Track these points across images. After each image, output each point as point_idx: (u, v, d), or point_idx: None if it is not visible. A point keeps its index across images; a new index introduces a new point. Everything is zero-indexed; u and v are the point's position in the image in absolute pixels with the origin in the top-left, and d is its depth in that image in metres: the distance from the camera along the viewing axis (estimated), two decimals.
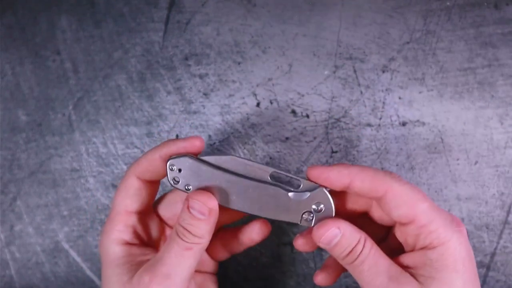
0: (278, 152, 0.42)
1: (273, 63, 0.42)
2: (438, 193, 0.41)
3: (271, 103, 0.42)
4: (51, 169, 0.43)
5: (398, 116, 0.41)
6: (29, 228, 0.43)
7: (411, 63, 0.41)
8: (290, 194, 0.32)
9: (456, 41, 0.41)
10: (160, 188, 0.37)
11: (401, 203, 0.30)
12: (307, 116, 0.42)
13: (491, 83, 0.41)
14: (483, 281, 0.41)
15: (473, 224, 0.41)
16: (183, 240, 0.31)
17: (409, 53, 0.41)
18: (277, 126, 0.42)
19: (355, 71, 0.41)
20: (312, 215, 0.32)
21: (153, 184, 0.34)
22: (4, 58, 0.44)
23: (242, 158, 0.32)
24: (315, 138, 0.42)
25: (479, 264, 0.41)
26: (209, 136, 0.42)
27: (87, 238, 0.43)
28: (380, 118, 0.41)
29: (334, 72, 0.42)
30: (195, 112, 0.42)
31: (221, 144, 0.42)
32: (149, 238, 0.35)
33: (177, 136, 0.42)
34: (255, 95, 0.42)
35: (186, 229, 0.31)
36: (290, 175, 0.32)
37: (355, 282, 0.42)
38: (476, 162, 0.41)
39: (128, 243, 0.33)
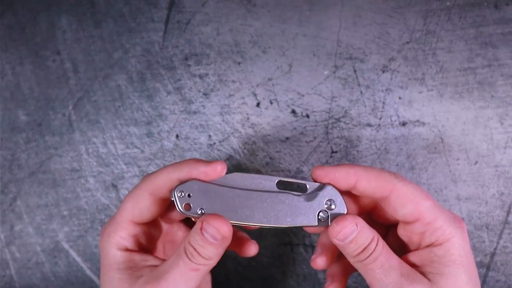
0: (278, 152, 0.42)
1: (273, 63, 0.42)
2: (438, 193, 0.41)
3: (271, 103, 0.42)
4: (51, 169, 0.43)
5: (398, 116, 0.41)
6: (29, 228, 0.43)
7: (411, 63, 0.41)
8: (301, 197, 0.32)
9: (456, 41, 0.41)
10: None
11: (406, 201, 0.31)
12: (307, 116, 0.42)
13: (491, 83, 0.41)
14: (483, 281, 0.41)
15: (473, 224, 0.41)
16: (190, 260, 0.30)
17: (409, 53, 0.41)
18: (277, 126, 0.42)
19: (355, 71, 0.41)
20: (326, 213, 0.32)
21: (165, 200, 0.33)
22: (4, 58, 0.44)
23: (245, 173, 0.32)
24: (315, 138, 0.42)
25: (479, 264, 0.41)
26: (209, 136, 0.42)
27: (87, 238, 0.43)
28: (380, 118, 0.41)
29: (334, 72, 0.42)
30: (195, 112, 0.42)
31: (221, 144, 0.42)
32: (152, 244, 0.35)
33: (177, 136, 0.42)
34: (255, 95, 0.42)
35: (196, 250, 0.30)
36: (296, 180, 0.33)
37: (355, 282, 0.42)
38: (476, 162, 0.41)
39: (129, 249, 0.33)
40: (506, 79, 0.41)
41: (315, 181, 0.32)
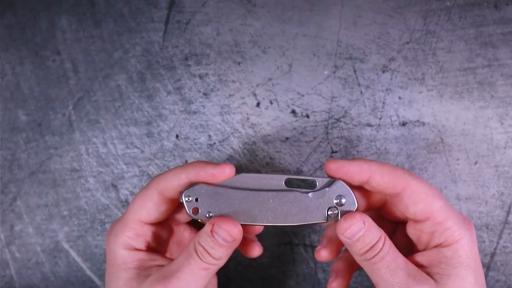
0: (278, 152, 0.42)
1: (273, 63, 0.42)
2: None
3: (271, 103, 0.42)
4: (51, 169, 0.43)
5: (398, 116, 0.41)
6: (29, 228, 0.43)
7: (411, 63, 0.41)
8: (310, 194, 0.32)
9: (456, 41, 0.41)
10: None
11: (419, 200, 0.30)
12: (307, 116, 0.42)
13: (491, 83, 0.41)
14: None
15: (473, 224, 0.41)
16: (201, 260, 0.31)
17: (409, 53, 0.41)
18: (277, 126, 0.42)
19: (355, 71, 0.42)
20: (336, 210, 0.32)
21: (173, 200, 0.33)
22: (4, 58, 0.44)
23: (252, 173, 0.32)
24: (315, 138, 0.42)
25: None
26: (209, 136, 0.42)
27: (87, 238, 0.43)
28: (380, 118, 0.41)
29: (334, 72, 0.42)
30: (195, 112, 0.42)
31: (221, 144, 0.42)
32: (159, 244, 0.35)
33: (177, 136, 0.42)
34: (255, 95, 0.42)
35: (206, 251, 0.31)
36: (304, 176, 0.33)
37: (355, 282, 0.42)
38: (476, 162, 0.41)
39: (136, 249, 0.33)
40: (506, 79, 0.41)
41: (327, 174, 0.32)
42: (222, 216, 0.31)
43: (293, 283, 0.42)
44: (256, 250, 0.35)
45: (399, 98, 0.41)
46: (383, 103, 0.41)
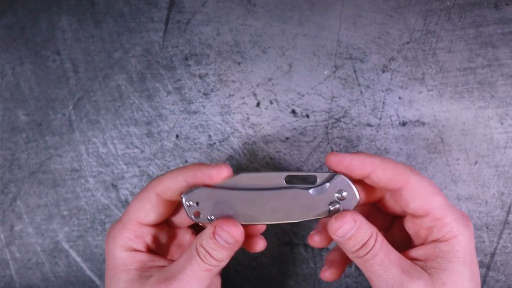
0: (278, 152, 0.42)
1: (273, 63, 0.42)
2: None
3: (271, 103, 0.42)
4: (51, 169, 0.43)
5: (398, 116, 0.41)
6: (29, 228, 0.43)
7: (411, 63, 0.41)
8: (310, 190, 0.32)
9: (456, 41, 0.41)
10: None
11: (418, 195, 0.31)
12: (307, 116, 0.42)
13: (491, 83, 0.41)
14: (483, 281, 0.41)
15: (473, 224, 0.41)
16: (203, 261, 0.31)
17: (409, 53, 0.41)
18: (277, 126, 0.42)
19: (355, 71, 0.42)
20: (338, 204, 0.32)
21: (172, 203, 0.33)
22: (4, 58, 0.44)
23: (252, 172, 0.32)
24: (315, 138, 0.42)
25: (479, 264, 0.41)
26: (209, 136, 0.42)
27: (87, 238, 0.43)
28: (380, 118, 0.41)
29: (334, 72, 0.42)
30: (195, 112, 0.42)
31: (221, 144, 0.42)
32: (158, 245, 0.35)
33: (177, 136, 0.42)
34: (255, 95, 0.42)
35: (209, 253, 0.31)
36: (304, 173, 0.33)
37: (355, 282, 0.42)
38: (476, 162, 0.41)
39: (136, 250, 0.33)
40: (506, 79, 0.41)
41: (328, 167, 0.32)
42: (224, 218, 0.31)
43: (293, 283, 0.42)
44: (259, 245, 0.35)
45: (399, 98, 0.41)
46: (383, 103, 0.41)
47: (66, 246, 0.43)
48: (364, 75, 0.41)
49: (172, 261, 0.33)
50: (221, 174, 0.31)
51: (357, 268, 0.42)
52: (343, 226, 0.30)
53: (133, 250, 0.32)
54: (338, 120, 0.42)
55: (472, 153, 0.41)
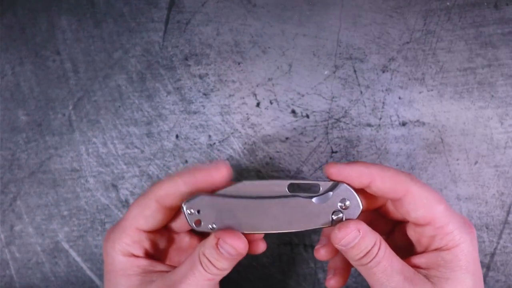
0: (278, 152, 0.42)
1: (273, 63, 0.42)
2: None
3: (271, 103, 0.42)
4: (51, 169, 0.43)
5: (398, 116, 0.41)
6: (29, 228, 0.43)
7: (411, 63, 0.41)
8: (314, 199, 0.31)
9: (456, 41, 0.41)
10: None
11: (420, 205, 0.30)
12: (307, 116, 0.42)
13: (491, 83, 0.41)
14: (483, 281, 0.41)
15: (473, 224, 0.41)
16: (206, 271, 0.30)
17: (409, 53, 0.41)
18: (277, 126, 0.42)
19: (355, 71, 0.41)
20: (341, 214, 0.31)
21: (171, 209, 0.33)
22: (4, 58, 0.44)
23: (254, 180, 0.32)
24: (315, 138, 0.42)
25: None
26: (209, 136, 0.42)
27: (87, 238, 0.43)
28: (380, 118, 0.41)
29: (334, 72, 0.42)
30: (195, 112, 0.42)
31: (221, 144, 0.42)
32: (157, 251, 0.34)
33: (177, 136, 0.42)
34: (255, 95, 0.42)
35: (211, 263, 0.30)
36: (307, 181, 0.32)
37: (355, 282, 0.42)
38: (476, 162, 0.41)
39: (135, 256, 0.32)
40: (506, 79, 0.41)
41: (328, 178, 0.32)
42: (227, 230, 0.31)
43: (293, 283, 0.42)
44: (260, 247, 0.35)
45: (399, 98, 0.41)
46: (383, 103, 0.41)
47: (66, 246, 0.43)
48: (364, 75, 0.41)
49: (171, 266, 0.33)
50: (221, 172, 0.31)
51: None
52: (347, 236, 0.30)
53: (132, 256, 0.32)
54: (338, 120, 0.42)
55: (472, 153, 0.41)
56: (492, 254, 0.41)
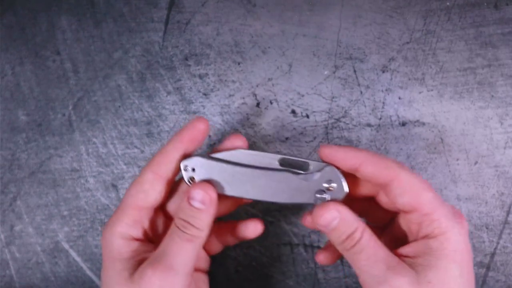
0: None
1: (273, 63, 0.42)
2: (438, 193, 0.41)
3: (271, 103, 0.42)
4: (51, 169, 0.43)
5: (398, 116, 0.41)
6: (29, 228, 0.43)
7: (411, 63, 0.41)
8: (300, 176, 0.32)
9: (456, 41, 0.41)
10: None
11: (406, 191, 0.31)
12: (307, 116, 0.42)
13: (491, 83, 0.41)
14: (483, 281, 0.41)
15: (473, 224, 0.41)
16: (184, 232, 0.31)
17: (409, 53, 0.41)
18: (277, 126, 0.42)
19: (355, 71, 0.42)
20: (325, 194, 0.32)
21: (168, 181, 0.34)
22: (4, 58, 0.44)
23: (248, 150, 0.33)
24: (315, 138, 0.42)
25: (479, 264, 0.41)
26: (209, 136, 0.42)
27: (87, 238, 0.43)
28: (380, 118, 0.41)
29: (334, 72, 0.42)
30: (195, 112, 0.42)
31: None
32: (155, 235, 0.35)
33: None
34: (255, 95, 0.42)
35: (187, 221, 0.32)
36: (298, 158, 0.33)
37: (356, 282, 0.42)
38: (476, 162, 0.41)
39: (133, 238, 0.33)
40: (506, 79, 0.41)
41: (320, 158, 0.33)
42: (198, 182, 0.33)
43: (293, 283, 0.42)
44: (257, 228, 0.36)
45: (399, 98, 0.41)
46: (383, 103, 0.41)
47: (66, 246, 0.43)
48: (364, 75, 0.41)
49: None
50: (201, 122, 0.33)
51: None
52: (325, 214, 0.31)
53: (130, 239, 0.33)
54: (338, 120, 0.42)
55: (472, 153, 0.41)
56: (492, 254, 0.41)
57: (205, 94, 0.42)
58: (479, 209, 0.41)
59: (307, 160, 0.33)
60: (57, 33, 0.43)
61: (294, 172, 0.33)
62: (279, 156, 0.33)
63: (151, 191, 0.33)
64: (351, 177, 0.33)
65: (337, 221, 0.31)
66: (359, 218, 0.31)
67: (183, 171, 0.33)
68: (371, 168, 0.31)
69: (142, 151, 0.43)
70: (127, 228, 0.33)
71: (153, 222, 0.34)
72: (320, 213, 0.31)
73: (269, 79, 0.42)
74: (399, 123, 0.41)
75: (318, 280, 0.42)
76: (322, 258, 0.36)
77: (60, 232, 0.43)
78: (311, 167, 0.33)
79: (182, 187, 0.35)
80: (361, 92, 0.41)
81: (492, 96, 0.41)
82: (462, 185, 0.41)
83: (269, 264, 0.42)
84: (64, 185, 0.43)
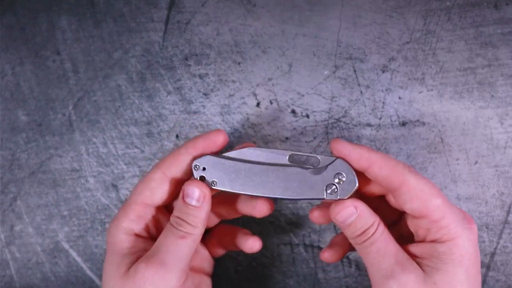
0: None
1: (273, 63, 0.42)
2: None
3: (271, 103, 0.42)
4: (51, 169, 0.43)
5: (398, 116, 0.41)
6: (29, 228, 0.43)
7: (411, 63, 0.41)
8: (310, 170, 0.33)
9: (456, 41, 0.41)
10: None
11: (415, 197, 0.31)
12: (307, 116, 0.42)
13: (491, 83, 0.41)
14: (483, 281, 0.41)
15: None
16: (177, 229, 0.32)
17: (409, 53, 0.41)
18: (277, 126, 0.42)
19: (355, 71, 0.42)
20: (335, 187, 0.32)
21: (177, 182, 0.34)
22: (4, 58, 0.44)
23: (258, 147, 0.34)
24: (315, 138, 0.42)
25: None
26: None
27: (87, 238, 0.43)
28: (380, 118, 0.41)
29: (334, 72, 0.42)
30: (195, 112, 0.42)
31: None
32: (158, 233, 0.35)
33: (177, 136, 0.42)
34: (255, 95, 0.42)
35: (181, 218, 0.32)
36: (307, 153, 0.34)
37: (355, 282, 0.42)
38: (476, 162, 0.41)
39: (135, 234, 0.33)
40: (506, 79, 0.41)
41: (332, 153, 0.33)
42: (191, 180, 0.33)
43: (293, 283, 0.42)
44: (256, 244, 0.36)
45: (399, 98, 0.41)
46: (383, 103, 0.41)
47: (66, 246, 0.43)
48: (364, 75, 0.41)
49: None
50: (219, 137, 0.33)
51: (357, 268, 0.42)
52: (342, 211, 0.31)
53: (133, 235, 0.33)
54: (338, 120, 0.42)
55: (472, 153, 0.41)
56: (492, 254, 0.41)
57: (205, 94, 0.42)
58: (479, 209, 0.41)
59: (316, 155, 0.33)
60: (57, 33, 0.43)
61: (304, 167, 0.33)
62: (288, 152, 0.34)
63: (157, 189, 0.33)
64: (362, 175, 0.33)
65: (354, 217, 0.31)
66: (374, 213, 0.32)
67: (193, 170, 0.33)
68: (378, 171, 0.31)
69: (142, 151, 0.43)
70: (131, 224, 0.33)
71: (157, 221, 0.35)
72: (337, 209, 0.31)
73: (269, 79, 0.42)
74: (399, 123, 0.41)
75: (318, 280, 0.42)
76: (327, 256, 0.36)
77: (60, 232, 0.43)
78: (320, 161, 0.33)
79: None
80: (361, 92, 0.41)
81: (492, 96, 0.41)
82: (462, 185, 0.41)
83: (269, 264, 0.42)
84: (64, 185, 0.43)
